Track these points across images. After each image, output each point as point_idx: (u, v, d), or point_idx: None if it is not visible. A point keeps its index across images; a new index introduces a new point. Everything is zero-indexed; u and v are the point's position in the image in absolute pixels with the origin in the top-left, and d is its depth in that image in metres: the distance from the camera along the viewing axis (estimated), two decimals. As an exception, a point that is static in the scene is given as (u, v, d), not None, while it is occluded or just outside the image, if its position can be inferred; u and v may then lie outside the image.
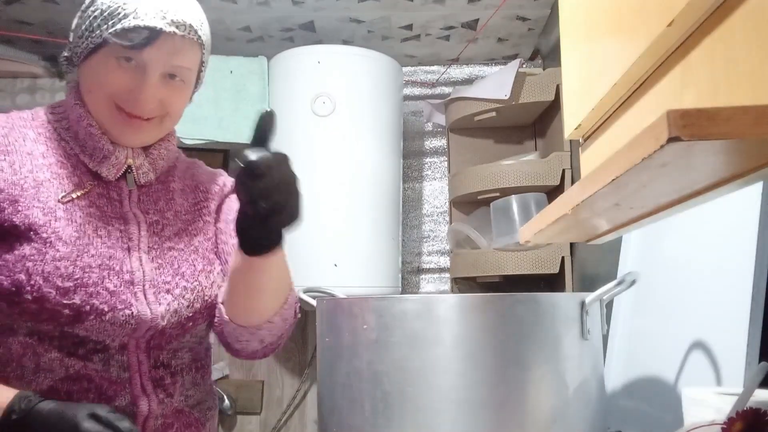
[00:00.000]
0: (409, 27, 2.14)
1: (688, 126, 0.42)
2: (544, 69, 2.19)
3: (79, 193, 0.88)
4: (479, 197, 2.06)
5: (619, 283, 0.89)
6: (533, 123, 2.27)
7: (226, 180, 1.08)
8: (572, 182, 1.89)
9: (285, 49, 2.10)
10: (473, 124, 2.15)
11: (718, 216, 0.98)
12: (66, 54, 0.94)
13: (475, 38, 2.21)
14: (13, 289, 0.81)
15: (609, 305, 1.17)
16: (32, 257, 0.82)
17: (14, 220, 0.82)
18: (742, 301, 0.87)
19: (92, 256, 0.85)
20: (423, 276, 2.39)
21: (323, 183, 1.97)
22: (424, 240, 2.43)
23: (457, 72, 2.46)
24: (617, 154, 0.52)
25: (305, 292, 1.15)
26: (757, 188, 0.89)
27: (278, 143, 1.88)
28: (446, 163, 2.38)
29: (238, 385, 2.33)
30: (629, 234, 1.27)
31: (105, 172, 0.91)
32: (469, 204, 2.21)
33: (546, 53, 2.23)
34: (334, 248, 1.91)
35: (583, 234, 0.97)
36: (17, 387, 0.81)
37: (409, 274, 2.38)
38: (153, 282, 0.89)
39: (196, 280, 0.94)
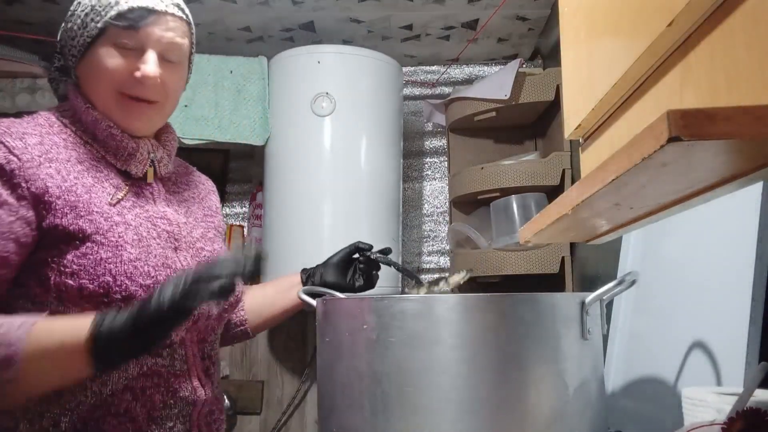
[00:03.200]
0: (409, 27, 2.14)
1: (688, 126, 0.41)
2: (544, 69, 2.19)
3: (121, 195, 0.92)
4: (479, 197, 2.06)
5: (619, 283, 0.89)
6: (533, 123, 2.27)
7: (215, 190, 1.19)
8: (572, 182, 1.89)
9: (285, 49, 2.10)
10: (473, 124, 2.15)
11: (718, 216, 0.98)
12: (57, 64, 0.98)
13: (475, 38, 2.21)
14: (101, 291, 0.84)
15: (609, 305, 1.17)
16: (110, 260, 0.85)
17: (80, 224, 0.85)
18: (742, 301, 0.87)
19: (156, 256, 0.90)
20: (423, 276, 2.39)
21: (323, 183, 1.97)
22: (424, 240, 2.43)
23: (457, 72, 2.46)
24: (617, 154, 0.52)
25: (305, 292, 1.15)
26: (757, 188, 0.89)
27: (279, 143, 1.93)
28: (446, 163, 2.38)
29: (238, 385, 2.33)
30: (629, 234, 1.27)
31: (134, 169, 0.95)
32: (469, 204, 2.21)
33: (546, 53, 2.23)
34: (334, 248, 1.91)
35: (583, 234, 0.97)
36: (92, 387, 0.85)
37: (409, 274, 2.38)
38: None
39: None
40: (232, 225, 2.37)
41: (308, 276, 1.22)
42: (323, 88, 1.99)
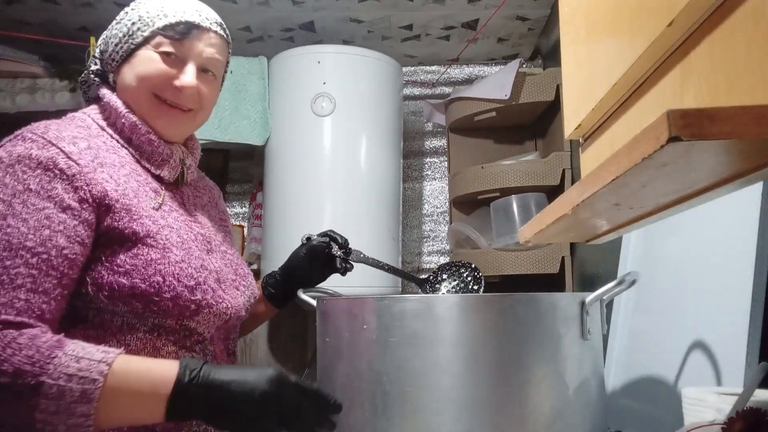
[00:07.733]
0: (409, 27, 2.14)
1: (688, 126, 0.42)
2: (544, 69, 2.19)
3: (160, 200, 0.96)
4: (479, 197, 2.06)
5: (619, 283, 0.89)
6: (533, 123, 2.27)
7: (221, 196, 1.25)
8: (572, 182, 1.89)
9: (285, 49, 2.10)
10: (473, 124, 2.15)
11: (718, 216, 0.98)
12: (94, 68, 1.02)
13: (475, 38, 2.21)
14: (152, 290, 0.88)
15: (609, 305, 1.17)
16: (160, 261, 0.89)
17: (134, 227, 0.89)
18: (742, 301, 0.87)
19: (196, 258, 0.95)
20: (423, 276, 2.38)
21: (323, 183, 1.97)
22: (424, 240, 2.43)
23: (457, 72, 2.46)
24: (617, 154, 0.52)
25: (305, 292, 1.15)
26: (757, 188, 0.89)
27: (279, 143, 1.92)
28: (446, 163, 2.38)
29: (238, 385, 2.32)
30: (629, 234, 1.27)
31: (166, 173, 1.00)
32: (469, 204, 2.21)
33: (546, 53, 2.23)
34: (334, 248, 1.91)
35: (583, 234, 0.97)
36: None
37: (409, 274, 2.38)
38: (225, 280, 1.00)
39: (249, 280, 1.08)
40: (232, 225, 2.37)
41: (268, 285, 1.21)
42: (323, 88, 1.99)
